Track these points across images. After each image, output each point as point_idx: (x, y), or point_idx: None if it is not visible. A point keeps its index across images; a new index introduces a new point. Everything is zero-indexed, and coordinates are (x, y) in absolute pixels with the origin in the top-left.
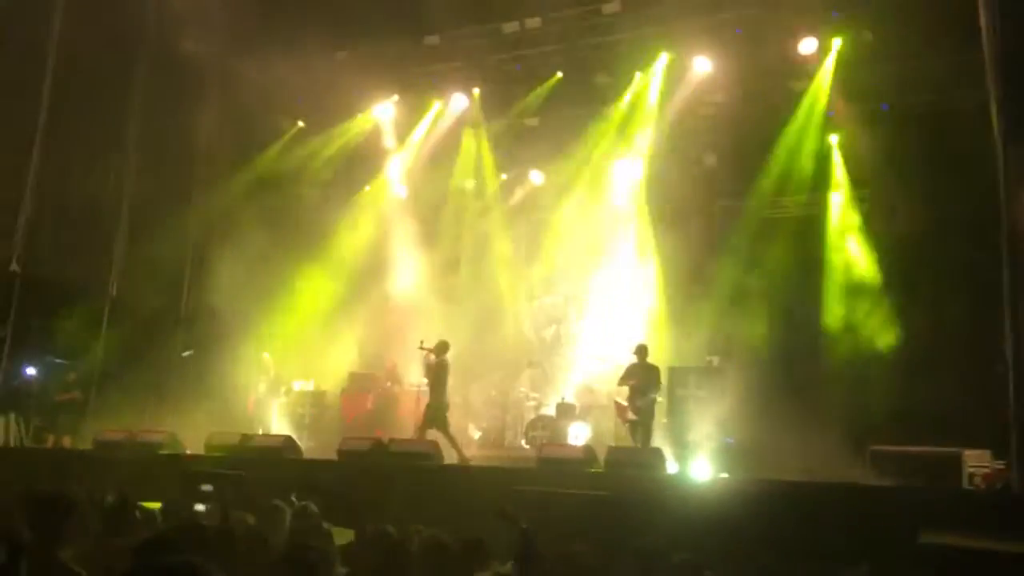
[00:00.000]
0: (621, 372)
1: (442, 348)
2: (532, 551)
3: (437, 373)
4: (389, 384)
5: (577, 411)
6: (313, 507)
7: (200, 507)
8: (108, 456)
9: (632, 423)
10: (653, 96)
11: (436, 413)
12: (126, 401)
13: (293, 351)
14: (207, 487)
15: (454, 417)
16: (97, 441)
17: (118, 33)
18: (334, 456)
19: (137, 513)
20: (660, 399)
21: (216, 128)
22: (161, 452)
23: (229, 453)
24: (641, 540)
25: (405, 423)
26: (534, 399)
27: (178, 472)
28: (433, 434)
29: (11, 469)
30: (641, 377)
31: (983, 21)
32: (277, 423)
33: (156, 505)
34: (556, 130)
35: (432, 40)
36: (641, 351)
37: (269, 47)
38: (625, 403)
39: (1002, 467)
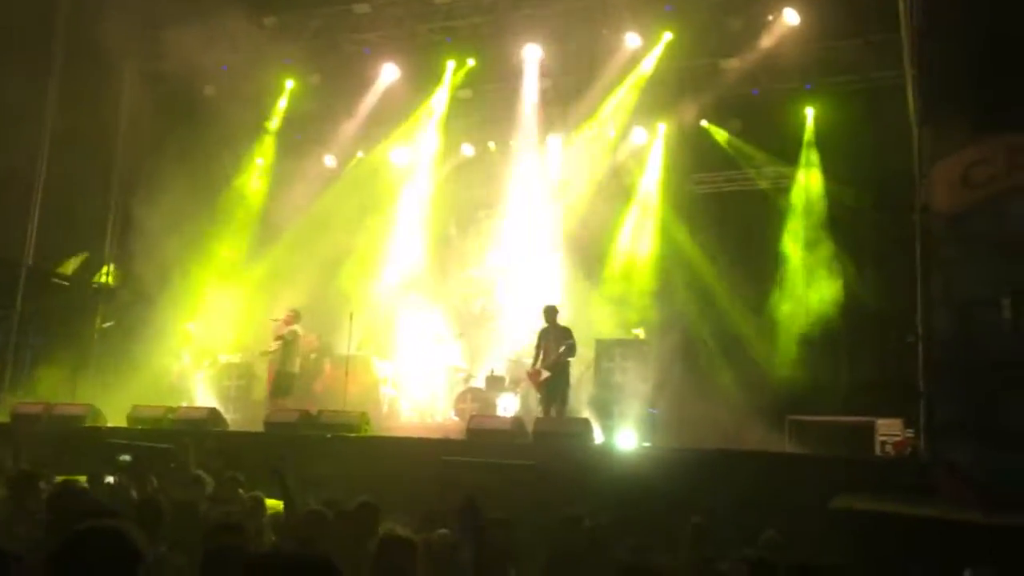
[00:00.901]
0: None
1: (292, 317)
2: (477, 518)
3: (286, 341)
4: (314, 356)
5: (506, 383)
6: (240, 477)
7: (111, 479)
8: (26, 429)
9: (545, 385)
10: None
11: (283, 381)
12: (45, 374)
13: (219, 323)
14: (125, 457)
15: (386, 388)
16: (14, 414)
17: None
18: (261, 428)
19: (42, 484)
20: (582, 367)
21: (138, 96)
22: (82, 425)
23: (153, 426)
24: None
25: (333, 394)
26: (463, 371)
27: (100, 445)
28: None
29: None
30: (552, 339)
31: (901, 8)
32: (203, 396)
33: (81, 478)
34: (489, 102)
35: (362, 8)
36: (550, 313)
37: (192, 14)
38: (536, 368)
39: (912, 435)
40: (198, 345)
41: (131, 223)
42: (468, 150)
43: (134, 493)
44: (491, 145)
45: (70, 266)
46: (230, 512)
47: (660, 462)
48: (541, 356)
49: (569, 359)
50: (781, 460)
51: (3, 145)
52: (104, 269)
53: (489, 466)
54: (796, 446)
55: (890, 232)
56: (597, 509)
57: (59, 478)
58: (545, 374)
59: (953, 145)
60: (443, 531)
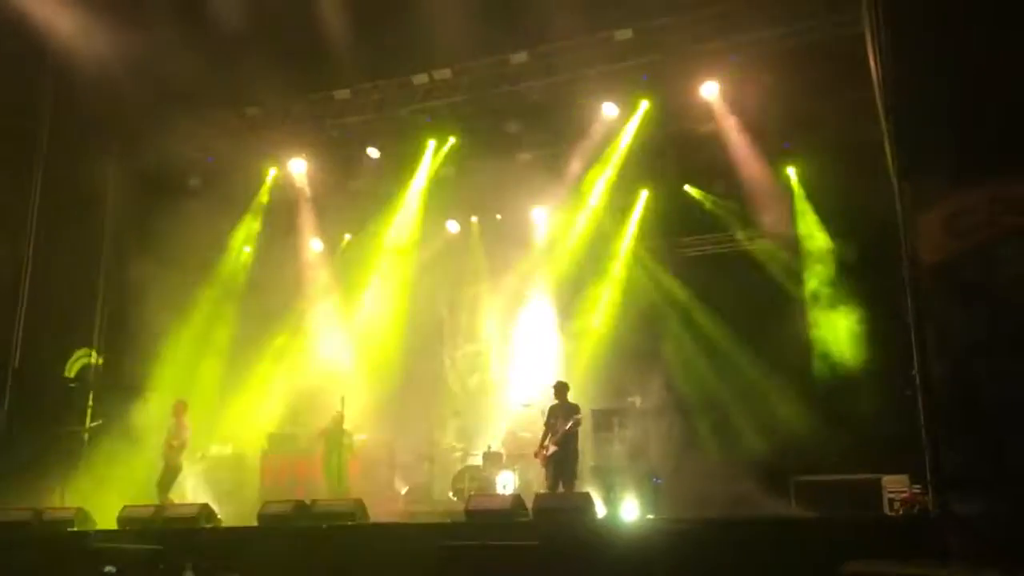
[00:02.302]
0: (542, 418)
1: (179, 408)
2: None
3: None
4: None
5: (504, 459)
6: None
7: None
8: (14, 538)
9: (551, 460)
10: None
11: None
12: (31, 478)
13: (208, 415)
14: (110, 568)
15: (384, 470)
16: (3, 521)
17: (19, 92)
18: (255, 522)
19: None
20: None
21: (123, 189)
22: (70, 530)
23: (143, 527)
24: None
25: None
26: (460, 449)
27: (88, 551)
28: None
29: None
30: (560, 415)
31: (872, 65)
32: (193, 491)
33: None
34: (472, 180)
35: (342, 94)
36: (561, 389)
37: (175, 107)
38: (544, 445)
39: (919, 491)
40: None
41: (118, 318)
42: (453, 227)
43: None
44: (473, 220)
45: (73, 366)
46: None
47: (666, 535)
48: (548, 434)
49: (576, 430)
50: (789, 525)
51: None
52: (92, 364)
53: (490, 548)
54: (803, 507)
55: (880, 285)
56: None
57: None
58: (552, 449)
59: (935, 196)
60: None
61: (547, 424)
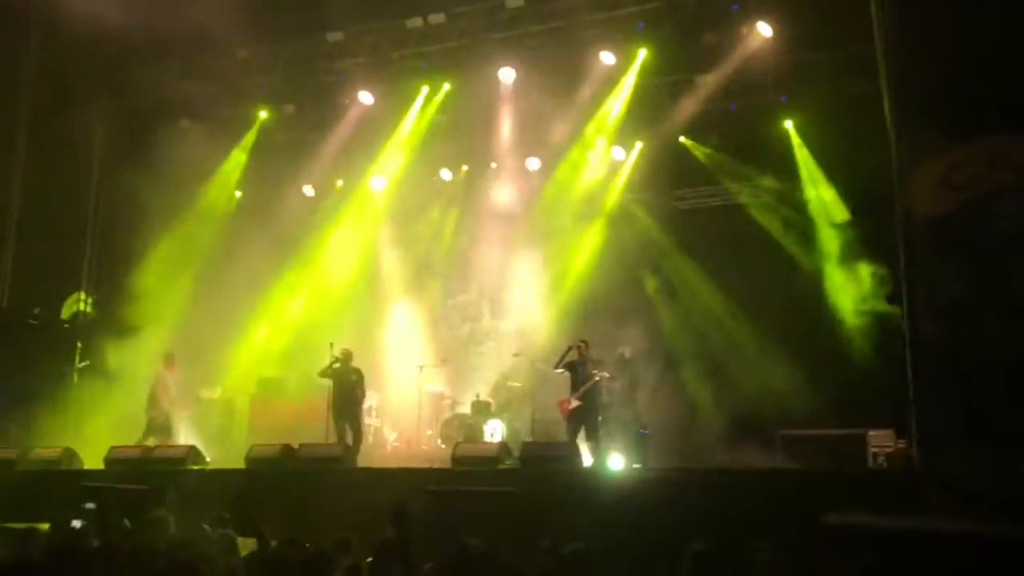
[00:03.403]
0: (531, 368)
1: (169, 361)
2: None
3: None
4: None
5: (493, 408)
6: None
7: (77, 523)
8: (3, 474)
9: (575, 414)
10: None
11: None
12: (19, 417)
13: (197, 358)
14: (89, 504)
15: (372, 418)
16: None
17: (4, 36)
18: (242, 465)
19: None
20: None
21: (111, 132)
22: (58, 469)
23: (130, 467)
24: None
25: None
26: (449, 398)
27: (73, 489)
28: None
29: None
30: (580, 370)
31: (873, 14)
32: (182, 434)
33: (44, 525)
34: (465, 126)
35: (335, 36)
36: (586, 347)
37: (166, 48)
38: (566, 398)
39: (904, 445)
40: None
41: (107, 261)
42: (446, 175)
43: (95, 540)
44: (465, 168)
45: (68, 309)
46: (195, 554)
47: (651, 484)
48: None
49: (600, 387)
50: (773, 476)
51: None
52: (80, 305)
53: (475, 494)
54: (788, 460)
55: (874, 240)
56: (587, 534)
57: (22, 525)
58: (575, 403)
59: (933, 149)
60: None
61: (573, 373)
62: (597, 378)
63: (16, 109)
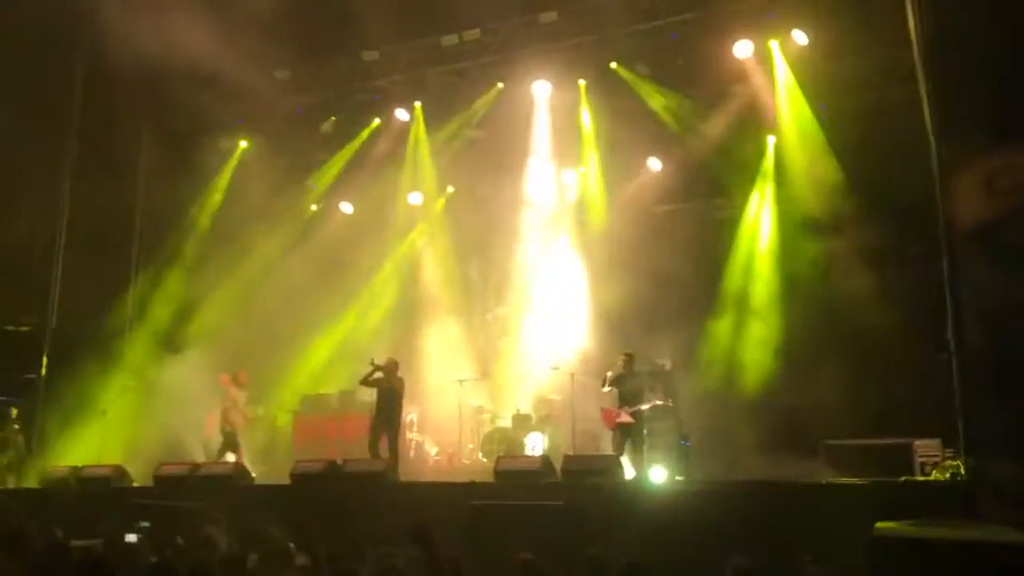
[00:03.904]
0: (571, 380)
1: (241, 379)
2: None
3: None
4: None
5: (533, 421)
6: (275, 532)
7: (132, 537)
8: (56, 493)
9: (624, 427)
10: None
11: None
12: (72, 435)
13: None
14: (144, 524)
15: (413, 433)
16: (43, 478)
17: (51, 62)
18: (287, 481)
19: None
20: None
21: (155, 152)
22: (110, 487)
23: (178, 484)
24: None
25: (359, 442)
26: (489, 411)
27: (125, 507)
28: None
29: None
30: (629, 385)
31: (911, 21)
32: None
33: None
34: (499, 141)
35: (371, 55)
36: (629, 360)
37: (207, 70)
38: (617, 410)
39: (951, 455)
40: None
41: (154, 283)
42: (482, 189)
43: (151, 557)
44: (499, 182)
45: (115, 327)
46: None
47: (694, 497)
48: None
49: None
50: (819, 488)
51: (23, 210)
52: (127, 325)
53: (519, 508)
54: (832, 472)
55: (915, 246)
56: (630, 548)
57: (79, 543)
58: (627, 419)
59: (973, 155)
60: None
61: (614, 387)
62: (648, 406)
63: (65, 131)
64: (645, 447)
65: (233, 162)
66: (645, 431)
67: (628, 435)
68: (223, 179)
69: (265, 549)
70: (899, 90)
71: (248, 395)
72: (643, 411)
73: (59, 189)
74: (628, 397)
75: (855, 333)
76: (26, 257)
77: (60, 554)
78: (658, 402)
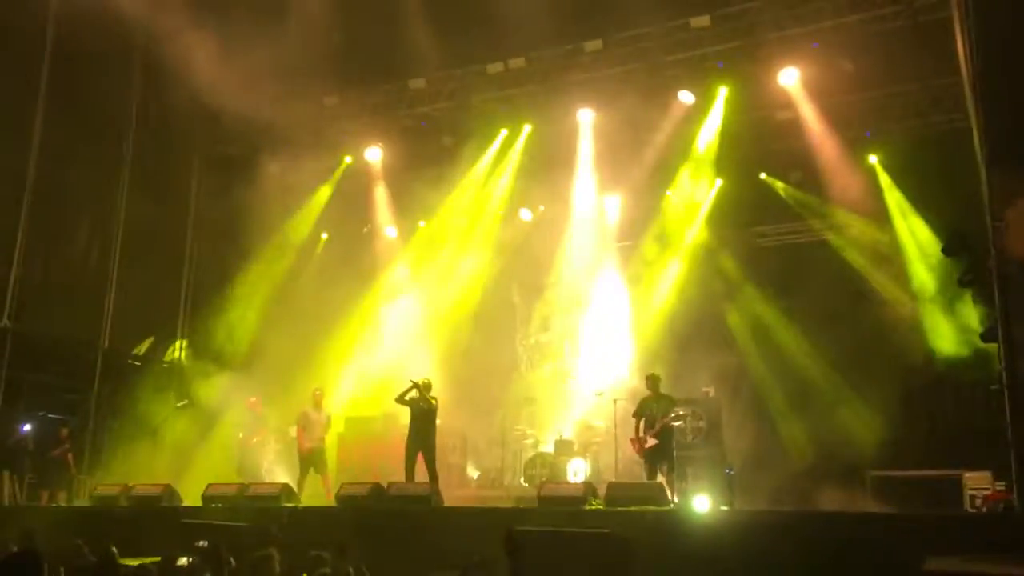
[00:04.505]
0: (613, 407)
1: (318, 398)
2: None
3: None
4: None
5: (575, 447)
6: (324, 555)
7: (184, 560)
8: (106, 511)
9: (650, 451)
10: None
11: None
12: (122, 454)
13: (286, 397)
14: (202, 542)
15: (456, 456)
16: (94, 496)
17: (106, 91)
18: (333, 503)
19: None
20: (679, 424)
21: (206, 174)
22: (159, 505)
23: (227, 504)
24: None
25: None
26: (531, 437)
27: (176, 526)
28: None
29: (9, 528)
30: (655, 408)
31: (959, 47)
32: (269, 472)
33: (155, 559)
34: (544, 167)
35: (417, 83)
36: (653, 381)
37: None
38: (641, 436)
39: (1003, 488)
40: (264, 419)
41: (202, 302)
42: (526, 215)
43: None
44: (541, 208)
45: (143, 347)
46: None
47: (739, 527)
48: (643, 424)
49: (674, 424)
50: (867, 520)
51: (80, 233)
52: (177, 345)
53: (563, 535)
54: (879, 503)
55: (968, 276)
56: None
57: (134, 562)
58: (652, 442)
59: None
60: None
61: (639, 415)
62: (670, 416)
63: (120, 153)
64: (689, 473)
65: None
66: (676, 453)
67: (658, 459)
68: (272, 204)
69: (316, 572)
70: (947, 118)
71: (322, 416)
72: (671, 427)
73: (113, 209)
74: (653, 421)
75: (905, 363)
76: (80, 276)
77: (110, 570)
78: (680, 411)
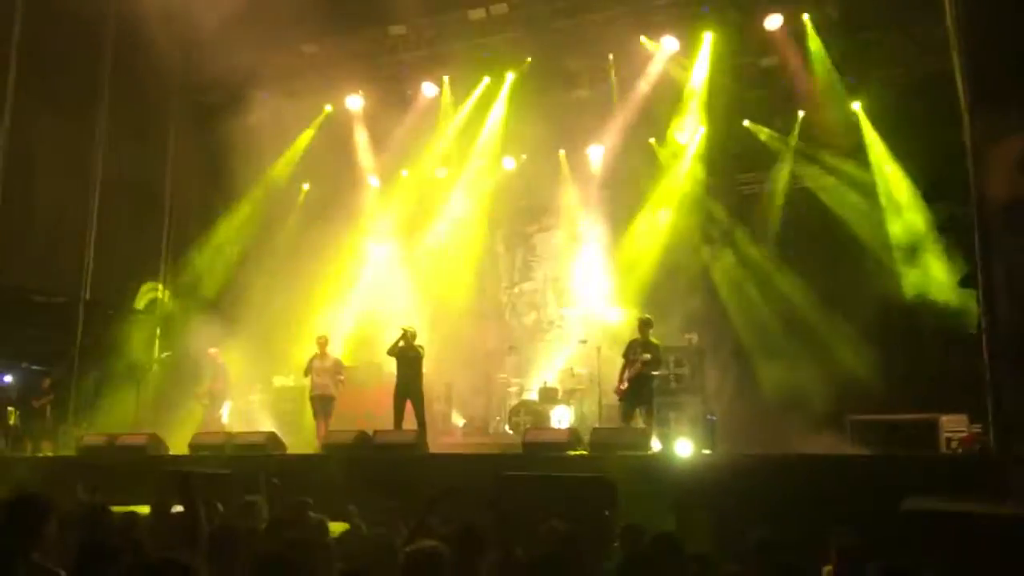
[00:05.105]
0: (597, 354)
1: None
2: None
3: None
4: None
5: (559, 395)
6: (309, 500)
7: (179, 508)
8: (92, 461)
9: (625, 394)
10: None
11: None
12: (107, 404)
13: (271, 345)
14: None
15: (440, 404)
16: (80, 446)
17: (81, 36)
18: (318, 451)
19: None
20: (656, 373)
21: (183, 123)
22: (145, 455)
23: (213, 452)
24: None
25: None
26: (516, 384)
27: (162, 474)
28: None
29: None
30: (638, 351)
31: None
32: (256, 420)
33: (144, 508)
34: (527, 116)
35: (398, 29)
36: (644, 325)
37: (234, 46)
38: (621, 381)
39: (979, 430)
40: (222, 368)
41: (184, 250)
42: (509, 163)
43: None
44: (524, 157)
45: (142, 300)
46: (295, 538)
47: (721, 470)
48: (625, 368)
49: (654, 372)
50: (846, 462)
51: (55, 182)
52: (159, 294)
53: (549, 479)
54: (858, 446)
55: (947, 222)
56: (659, 520)
57: (121, 509)
58: (623, 386)
59: (1006, 130)
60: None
61: (625, 357)
62: (640, 359)
63: (95, 102)
64: (670, 418)
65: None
66: (658, 399)
67: (632, 402)
68: (250, 154)
69: (305, 516)
70: (931, 63)
71: (328, 363)
72: (648, 374)
73: (91, 160)
74: (631, 364)
75: (883, 308)
76: (59, 228)
77: (101, 514)
78: (646, 357)
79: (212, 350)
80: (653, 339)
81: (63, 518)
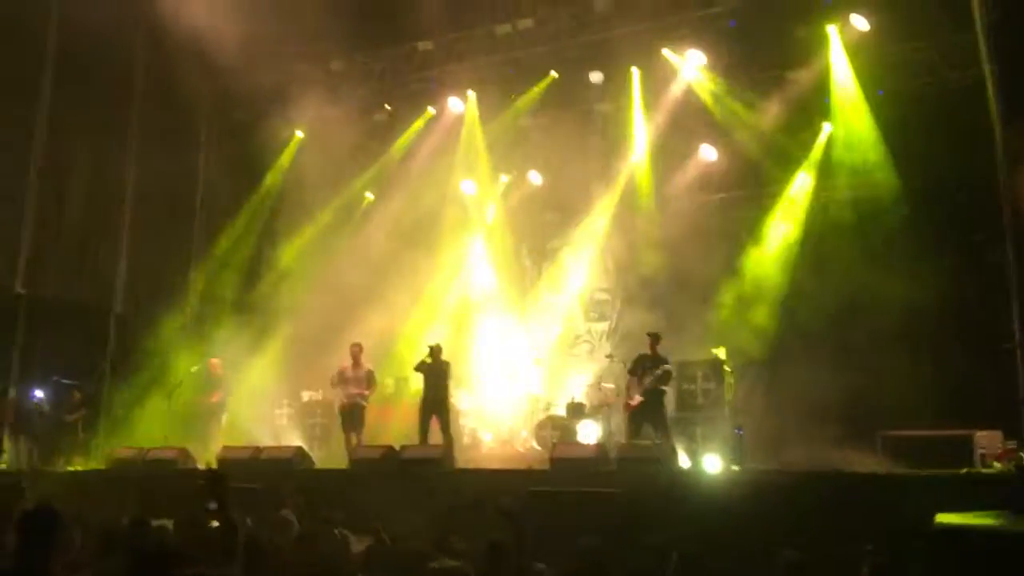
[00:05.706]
0: (624, 369)
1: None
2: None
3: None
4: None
5: (586, 409)
6: (337, 515)
7: (216, 523)
8: (123, 475)
9: (634, 410)
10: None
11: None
12: (136, 418)
13: (301, 360)
14: (212, 505)
15: (467, 419)
16: (111, 460)
17: (113, 51)
18: (345, 465)
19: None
20: (667, 389)
21: (214, 139)
22: (176, 468)
23: (241, 467)
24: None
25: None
26: (543, 399)
27: (191, 488)
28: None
29: (28, 492)
30: (648, 366)
31: (975, 5)
32: (280, 435)
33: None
34: (555, 130)
35: (425, 45)
36: (653, 339)
37: (262, 65)
38: (630, 396)
39: (1013, 447)
40: (222, 380)
41: (215, 269)
42: (535, 178)
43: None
44: (554, 171)
45: (173, 313)
46: (321, 554)
47: (749, 486)
48: (636, 383)
49: (664, 387)
50: (878, 479)
51: (87, 196)
52: (188, 308)
53: (577, 495)
54: (890, 463)
55: (977, 235)
56: (685, 537)
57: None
58: (637, 399)
59: None
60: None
61: (632, 372)
62: (659, 372)
63: (127, 116)
64: (697, 434)
65: (289, 152)
66: (683, 414)
67: (641, 419)
68: (279, 168)
69: (330, 532)
70: (962, 75)
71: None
72: (660, 389)
73: (122, 174)
74: (641, 379)
75: (915, 322)
76: (90, 242)
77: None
78: (658, 372)
79: (214, 360)
80: (661, 353)
81: (100, 532)
